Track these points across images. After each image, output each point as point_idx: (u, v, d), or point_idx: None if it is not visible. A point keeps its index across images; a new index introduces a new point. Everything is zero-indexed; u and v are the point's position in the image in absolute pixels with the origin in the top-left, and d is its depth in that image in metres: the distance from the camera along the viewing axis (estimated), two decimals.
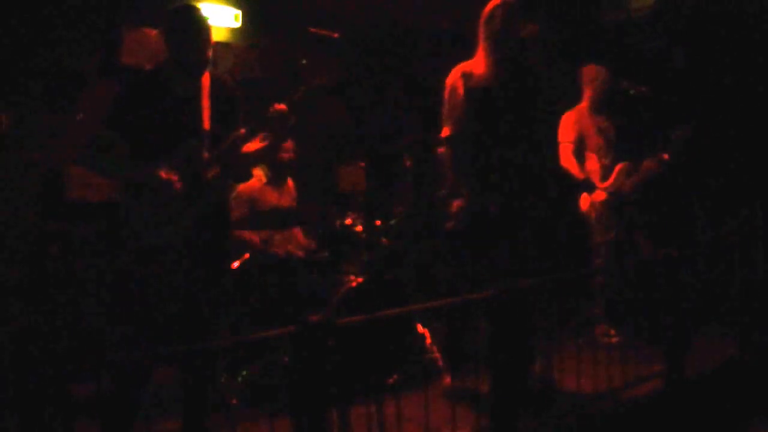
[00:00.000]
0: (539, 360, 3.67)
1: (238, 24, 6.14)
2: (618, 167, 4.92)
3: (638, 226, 5.01)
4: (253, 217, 4.53)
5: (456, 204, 3.69)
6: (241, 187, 4.92)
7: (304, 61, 3.66)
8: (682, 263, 3.93)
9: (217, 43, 6.06)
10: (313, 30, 4.40)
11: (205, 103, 3.21)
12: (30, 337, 4.22)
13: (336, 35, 4.18)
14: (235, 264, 4.33)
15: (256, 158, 3.46)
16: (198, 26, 3.22)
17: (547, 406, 3.49)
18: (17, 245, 4.47)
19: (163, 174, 3.06)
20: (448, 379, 3.86)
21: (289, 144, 4.90)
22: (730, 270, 4.70)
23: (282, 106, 3.25)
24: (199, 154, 3.16)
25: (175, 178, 3.08)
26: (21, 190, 4.58)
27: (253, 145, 3.32)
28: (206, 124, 3.19)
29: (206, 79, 3.25)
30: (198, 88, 3.22)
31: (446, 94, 3.71)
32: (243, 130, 3.25)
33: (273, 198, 4.94)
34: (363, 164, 5.33)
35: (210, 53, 3.22)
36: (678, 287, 3.88)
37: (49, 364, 3.90)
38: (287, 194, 5.05)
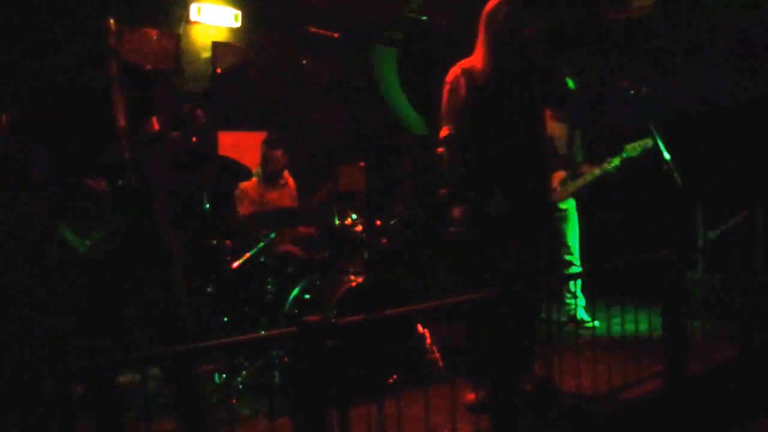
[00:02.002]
0: (539, 360, 3.66)
1: (238, 24, 6.15)
2: (555, 175, 5.00)
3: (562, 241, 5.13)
4: (255, 217, 4.53)
5: (458, 210, 3.66)
6: (244, 185, 4.93)
7: (304, 61, 3.65)
8: (682, 263, 3.92)
9: (217, 43, 6.09)
10: (313, 30, 4.41)
11: (118, 96, 2.96)
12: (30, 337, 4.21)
13: (336, 35, 4.18)
14: (235, 264, 4.33)
15: (169, 149, 3.25)
16: (91, 9, 2.94)
17: (547, 406, 3.49)
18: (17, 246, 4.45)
19: (91, 183, 2.90)
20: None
21: (278, 153, 4.93)
22: (730, 270, 4.69)
23: (196, 109, 3.17)
24: (121, 156, 2.94)
25: (104, 185, 2.91)
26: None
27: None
28: (122, 120, 2.96)
29: (114, 70, 2.99)
30: (107, 80, 2.97)
31: (446, 91, 3.64)
32: (156, 126, 3.09)
33: (273, 198, 4.95)
34: (363, 164, 5.34)
35: (111, 39, 2.97)
36: (678, 287, 3.88)
37: (48, 364, 3.90)
38: (287, 194, 5.06)
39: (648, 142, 4.71)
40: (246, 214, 4.70)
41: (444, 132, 3.65)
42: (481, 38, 3.63)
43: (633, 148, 4.70)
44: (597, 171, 4.95)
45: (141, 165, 2.99)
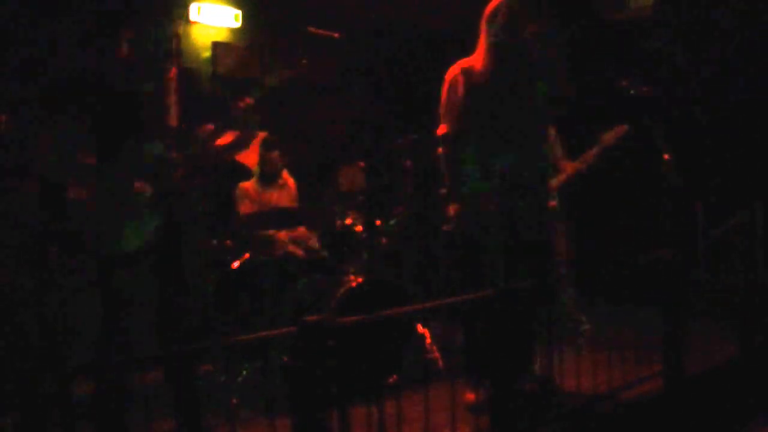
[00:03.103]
0: (539, 360, 3.66)
1: (238, 24, 6.15)
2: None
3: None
4: (255, 217, 4.53)
5: (453, 207, 3.66)
6: (243, 185, 4.93)
7: (304, 61, 3.65)
8: (682, 263, 3.93)
9: (217, 43, 6.09)
10: (313, 30, 4.41)
11: (172, 98, 3.04)
12: (30, 337, 4.22)
13: (336, 35, 4.18)
14: (235, 264, 4.33)
15: (226, 151, 3.33)
16: (159, 15, 3.03)
17: (547, 406, 3.49)
18: (18, 246, 4.46)
19: (135, 183, 2.93)
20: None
21: (275, 154, 4.93)
22: (730, 270, 4.70)
23: (249, 100, 3.18)
24: (167, 155, 3.02)
25: (143, 185, 2.94)
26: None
27: (223, 139, 3.22)
28: (174, 120, 3.03)
29: (172, 74, 3.07)
30: (162, 83, 3.04)
31: (445, 90, 3.66)
32: (212, 126, 3.15)
33: (271, 198, 4.94)
34: (363, 164, 5.34)
35: (174, 44, 3.05)
36: (678, 287, 3.88)
37: (49, 363, 3.90)
38: (286, 194, 5.06)
39: (624, 129, 4.66)
40: (246, 214, 4.69)
41: (441, 130, 3.68)
42: (481, 38, 3.64)
43: (609, 137, 4.66)
44: (577, 165, 4.89)
45: (186, 166, 3.06)
